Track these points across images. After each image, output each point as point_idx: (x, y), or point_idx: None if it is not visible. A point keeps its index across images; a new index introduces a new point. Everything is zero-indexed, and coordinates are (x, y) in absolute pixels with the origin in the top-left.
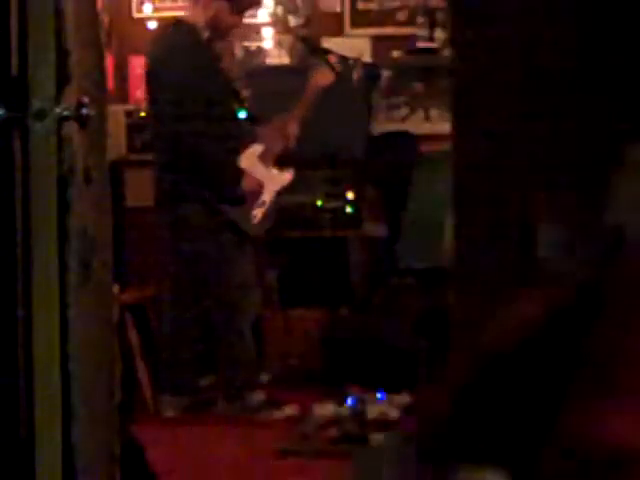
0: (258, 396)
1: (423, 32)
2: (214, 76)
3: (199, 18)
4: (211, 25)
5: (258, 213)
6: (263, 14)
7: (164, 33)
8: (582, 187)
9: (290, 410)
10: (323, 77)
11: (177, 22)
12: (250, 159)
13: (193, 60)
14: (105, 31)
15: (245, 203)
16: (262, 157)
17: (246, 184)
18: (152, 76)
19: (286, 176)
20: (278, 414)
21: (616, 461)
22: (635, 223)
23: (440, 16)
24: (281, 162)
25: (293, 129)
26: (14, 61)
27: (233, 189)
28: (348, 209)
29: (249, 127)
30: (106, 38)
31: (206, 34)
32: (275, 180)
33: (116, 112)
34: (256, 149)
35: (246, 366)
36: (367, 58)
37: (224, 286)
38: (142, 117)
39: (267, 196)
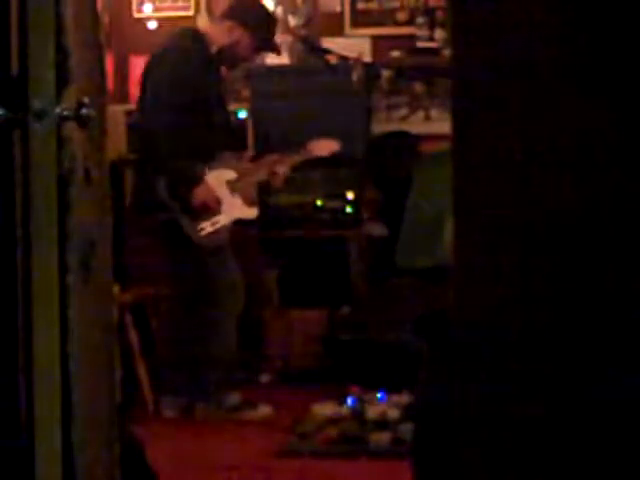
0: (234, 396)
1: (423, 32)
2: (205, 84)
3: (219, 38)
4: (227, 49)
5: (207, 227)
6: None
7: (171, 34)
8: (582, 187)
9: (265, 411)
10: (322, 148)
11: (188, 28)
12: (218, 179)
13: (187, 64)
14: (105, 31)
15: (195, 211)
16: (233, 183)
17: (199, 193)
18: (145, 71)
19: (250, 212)
20: (253, 415)
21: None
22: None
23: (440, 16)
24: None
25: (283, 171)
26: (14, 61)
27: (182, 194)
28: (348, 209)
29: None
30: (106, 38)
31: (215, 48)
32: (236, 209)
33: (116, 112)
34: (228, 173)
35: (224, 366)
36: (367, 58)
37: (206, 284)
38: None
39: (223, 217)
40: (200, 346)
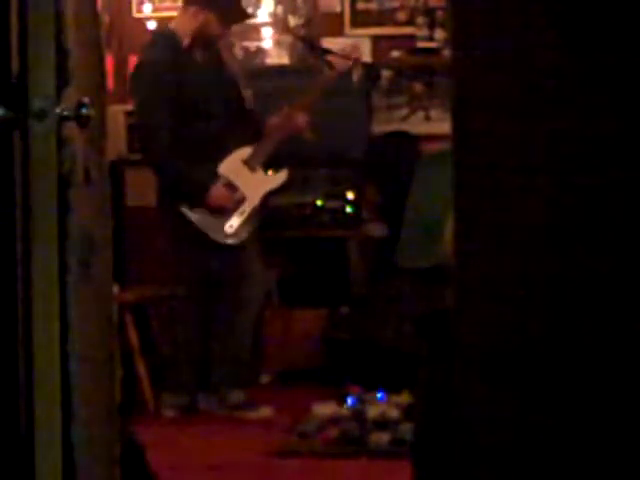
0: (238, 394)
1: (423, 32)
2: (188, 83)
3: (186, 26)
4: (197, 34)
5: (235, 222)
6: (263, 14)
7: (146, 44)
8: (582, 187)
9: (266, 411)
10: (331, 75)
11: (157, 30)
12: (233, 164)
13: (162, 67)
14: (105, 31)
15: (214, 211)
16: (250, 159)
17: (212, 195)
18: (130, 86)
19: (278, 178)
20: (254, 414)
21: None
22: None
23: (440, 16)
24: (281, 162)
25: (303, 117)
26: (14, 61)
27: (197, 199)
28: (348, 209)
29: (245, 127)
30: (106, 38)
31: (187, 41)
32: (261, 184)
33: (116, 112)
34: (242, 153)
35: (233, 362)
36: (367, 58)
37: (224, 283)
38: None
39: (249, 204)
40: (213, 342)
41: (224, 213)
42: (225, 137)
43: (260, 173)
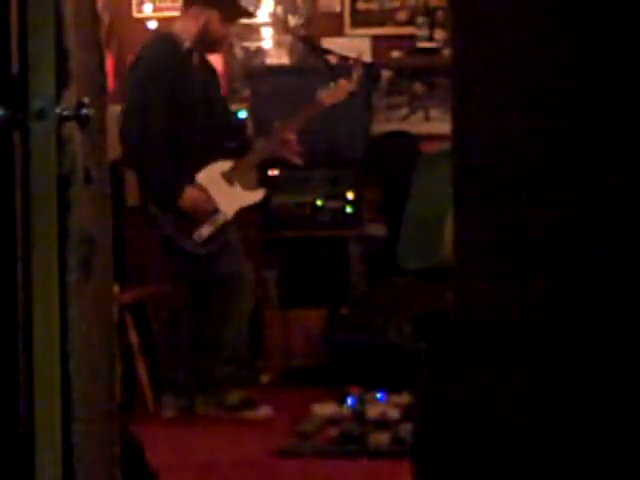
0: (236, 395)
1: (423, 32)
2: (181, 86)
3: (189, 29)
4: (201, 35)
5: (205, 231)
6: (263, 14)
7: (146, 42)
8: (581, 186)
9: (265, 411)
10: (331, 96)
11: (158, 33)
12: (211, 175)
13: (157, 69)
14: (105, 31)
15: (184, 217)
16: (229, 173)
17: (187, 195)
18: (124, 80)
19: (254, 195)
20: (253, 415)
21: None
22: None
23: (440, 16)
24: (280, 162)
25: (294, 146)
26: (14, 61)
27: (168, 201)
28: (348, 209)
29: (239, 138)
30: (106, 38)
31: (187, 44)
32: (237, 198)
33: (116, 112)
34: (222, 165)
35: (230, 363)
36: (367, 58)
37: (214, 283)
38: None
39: (221, 217)
40: (208, 342)
41: (194, 222)
42: (208, 146)
43: (237, 188)
